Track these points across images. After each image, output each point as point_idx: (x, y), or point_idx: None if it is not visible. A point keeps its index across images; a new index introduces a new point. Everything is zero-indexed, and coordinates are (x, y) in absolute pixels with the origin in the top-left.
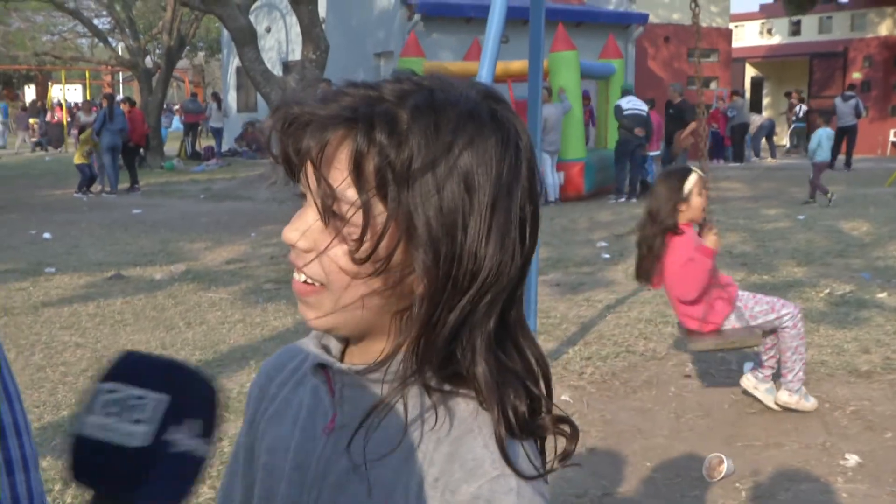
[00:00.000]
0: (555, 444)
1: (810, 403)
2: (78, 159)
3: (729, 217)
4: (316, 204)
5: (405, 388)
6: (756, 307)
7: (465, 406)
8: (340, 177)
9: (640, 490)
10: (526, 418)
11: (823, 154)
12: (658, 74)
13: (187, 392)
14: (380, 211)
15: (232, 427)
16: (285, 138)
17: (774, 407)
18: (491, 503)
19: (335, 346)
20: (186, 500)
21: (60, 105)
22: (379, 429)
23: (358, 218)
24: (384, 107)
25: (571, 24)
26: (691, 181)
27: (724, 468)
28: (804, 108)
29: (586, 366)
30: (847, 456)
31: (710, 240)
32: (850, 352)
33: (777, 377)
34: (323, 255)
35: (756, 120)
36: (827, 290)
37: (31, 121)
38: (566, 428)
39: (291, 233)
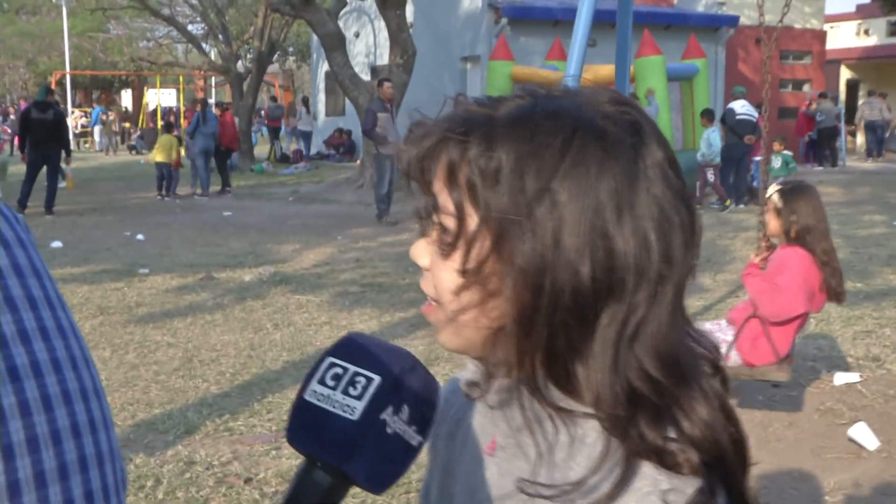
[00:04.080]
0: None
1: None
2: (164, 158)
3: None
4: (419, 215)
5: (533, 408)
6: None
7: (589, 427)
8: (438, 187)
9: None
10: (659, 447)
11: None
12: (749, 77)
13: (406, 379)
14: (472, 220)
15: None
16: (412, 153)
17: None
18: None
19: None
20: (392, 483)
21: (155, 110)
22: (523, 452)
23: (453, 227)
24: (481, 117)
25: (660, 26)
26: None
27: None
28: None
29: None
30: None
31: None
32: None
33: None
34: (433, 271)
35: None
36: None
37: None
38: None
39: (414, 252)
